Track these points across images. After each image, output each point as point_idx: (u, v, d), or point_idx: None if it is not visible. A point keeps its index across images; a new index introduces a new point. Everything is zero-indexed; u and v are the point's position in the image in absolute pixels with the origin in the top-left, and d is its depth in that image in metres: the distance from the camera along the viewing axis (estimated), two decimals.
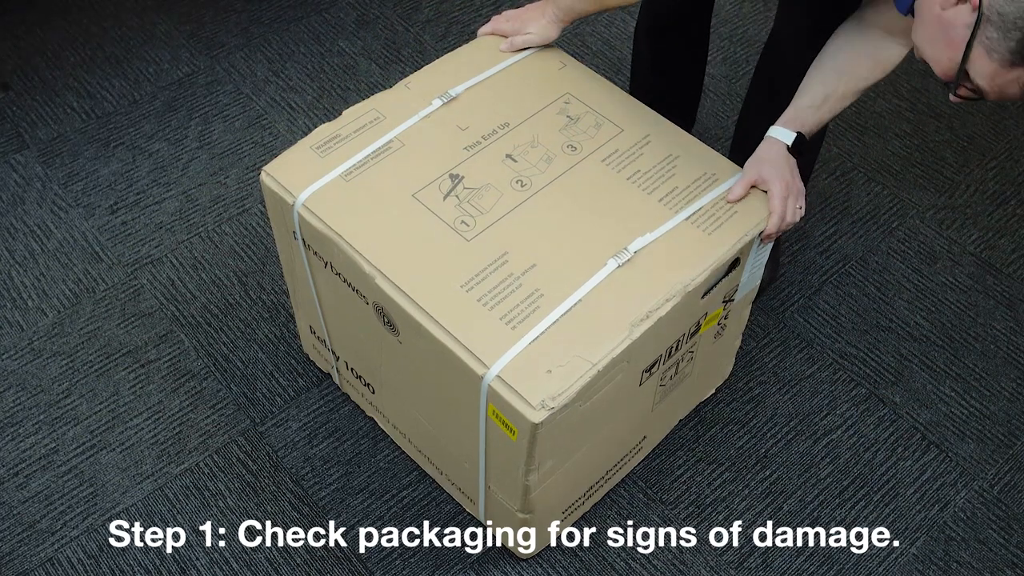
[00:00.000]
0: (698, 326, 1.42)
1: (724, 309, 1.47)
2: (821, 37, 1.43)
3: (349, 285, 1.38)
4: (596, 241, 1.32)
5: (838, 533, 1.60)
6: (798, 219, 1.39)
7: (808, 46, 1.44)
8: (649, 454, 1.67)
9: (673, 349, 1.40)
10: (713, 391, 1.75)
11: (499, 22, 1.57)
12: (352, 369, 1.61)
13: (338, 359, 1.64)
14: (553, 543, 1.57)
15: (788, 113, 1.40)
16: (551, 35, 1.54)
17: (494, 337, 1.22)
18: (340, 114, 1.47)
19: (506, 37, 1.55)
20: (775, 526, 1.60)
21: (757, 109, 1.75)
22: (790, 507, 1.63)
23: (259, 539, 1.57)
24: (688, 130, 1.94)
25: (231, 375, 1.76)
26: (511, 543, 1.54)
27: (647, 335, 1.26)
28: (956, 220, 2.03)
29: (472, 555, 1.56)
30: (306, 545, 1.57)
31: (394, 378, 1.49)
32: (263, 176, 1.41)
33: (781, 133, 1.39)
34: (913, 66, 2.30)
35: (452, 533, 1.58)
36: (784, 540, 1.59)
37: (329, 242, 1.34)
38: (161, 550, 1.56)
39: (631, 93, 1.68)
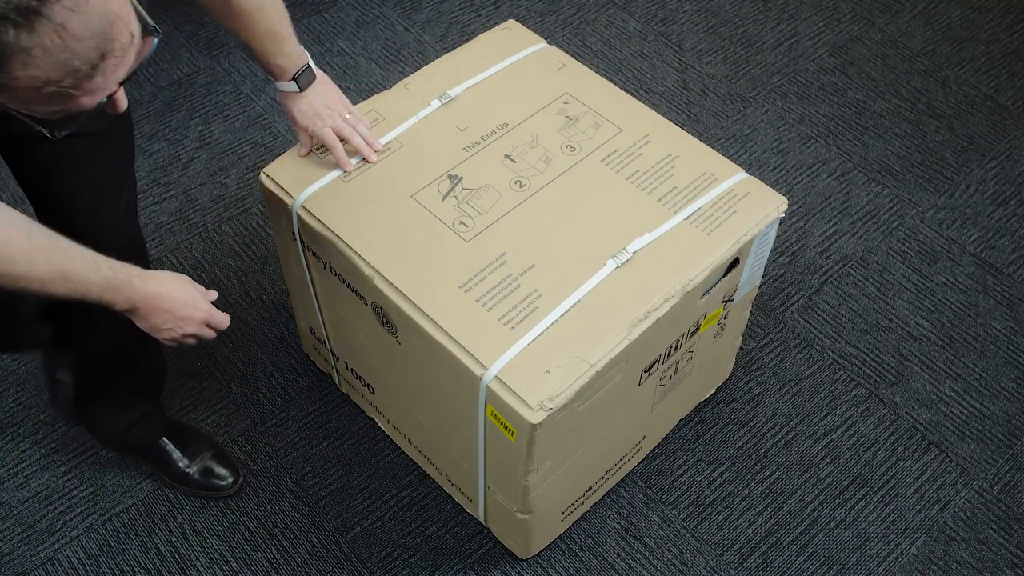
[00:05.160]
0: (697, 326, 1.42)
1: (723, 309, 1.47)
2: None
3: (348, 286, 1.38)
4: (595, 241, 1.32)
5: (838, 533, 1.60)
6: (359, 126, 1.41)
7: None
8: (649, 454, 1.67)
9: (672, 349, 1.40)
10: (713, 391, 1.74)
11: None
12: (352, 370, 1.61)
13: (338, 360, 1.64)
14: (553, 543, 1.57)
15: (274, 72, 1.34)
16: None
17: (493, 338, 1.22)
18: None
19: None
20: (775, 526, 1.60)
21: None
22: (790, 507, 1.62)
23: (259, 539, 1.57)
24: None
25: (231, 375, 1.76)
26: (511, 543, 1.54)
27: (646, 335, 1.26)
28: (956, 220, 2.02)
29: (472, 555, 1.56)
30: (306, 545, 1.57)
31: (393, 379, 1.49)
32: (262, 177, 1.41)
33: (287, 86, 1.35)
34: (913, 66, 2.30)
35: (452, 533, 1.58)
36: (784, 540, 1.59)
37: (328, 243, 1.34)
38: (161, 550, 1.56)
39: None
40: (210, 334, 1.24)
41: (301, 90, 1.35)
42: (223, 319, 1.24)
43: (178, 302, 1.18)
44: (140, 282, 1.13)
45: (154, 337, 1.20)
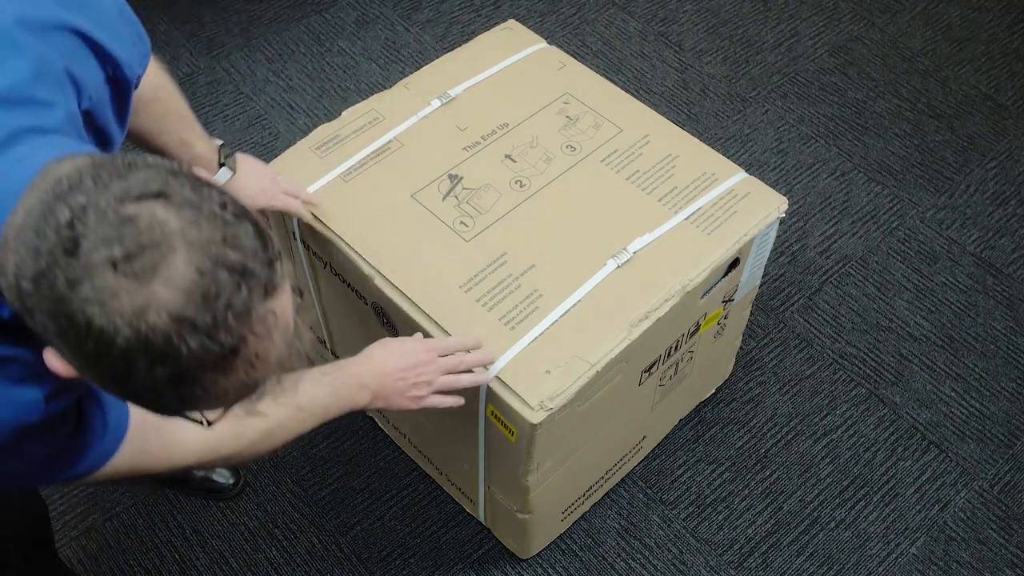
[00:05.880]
0: (697, 326, 1.42)
1: (724, 309, 1.47)
2: None
3: (348, 286, 1.38)
4: (595, 241, 1.32)
5: (838, 533, 1.60)
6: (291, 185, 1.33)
7: None
8: (649, 454, 1.67)
9: (672, 349, 1.40)
10: (713, 391, 1.74)
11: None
12: None
13: (338, 359, 1.64)
14: (553, 543, 1.57)
15: (201, 164, 1.21)
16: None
17: (493, 338, 1.22)
18: (340, 114, 1.47)
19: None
20: (775, 526, 1.60)
21: None
22: (790, 507, 1.63)
23: (259, 539, 1.57)
24: None
25: None
26: (511, 543, 1.54)
27: (646, 335, 1.26)
28: (956, 220, 2.02)
29: (472, 555, 1.56)
30: (306, 545, 1.57)
31: None
32: None
33: (221, 176, 1.24)
34: (913, 66, 2.30)
35: (452, 533, 1.58)
36: (784, 540, 1.59)
37: (328, 243, 1.34)
38: (161, 550, 1.56)
39: None
40: (456, 374, 1.15)
41: (234, 171, 1.24)
42: (449, 343, 1.15)
43: (396, 359, 1.11)
44: (355, 367, 1.08)
45: (413, 409, 1.12)
